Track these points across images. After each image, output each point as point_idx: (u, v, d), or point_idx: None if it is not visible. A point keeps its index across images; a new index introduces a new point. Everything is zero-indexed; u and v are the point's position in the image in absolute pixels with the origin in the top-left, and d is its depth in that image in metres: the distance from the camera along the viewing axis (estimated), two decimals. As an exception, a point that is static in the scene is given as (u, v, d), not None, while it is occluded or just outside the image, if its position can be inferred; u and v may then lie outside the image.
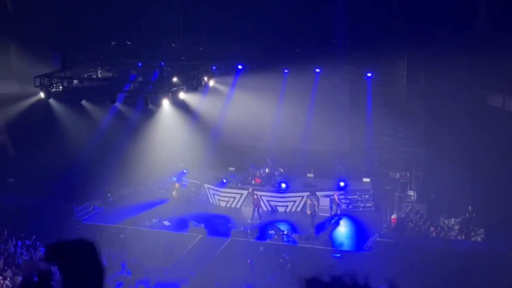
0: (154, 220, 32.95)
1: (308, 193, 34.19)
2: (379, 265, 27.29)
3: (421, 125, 33.82)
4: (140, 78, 34.18)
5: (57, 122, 34.99)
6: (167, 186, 36.53)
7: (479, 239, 29.68)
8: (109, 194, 34.92)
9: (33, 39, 34.85)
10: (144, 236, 30.77)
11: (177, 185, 35.67)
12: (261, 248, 29.80)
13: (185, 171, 37.54)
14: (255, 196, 33.52)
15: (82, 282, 2.95)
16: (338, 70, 35.00)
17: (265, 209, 34.61)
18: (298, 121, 35.96)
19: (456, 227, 30.42)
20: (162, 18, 34.85)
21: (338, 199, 33.72)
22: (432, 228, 30.58)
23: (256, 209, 33.15)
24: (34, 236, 29.79)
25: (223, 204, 35.21)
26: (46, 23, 34.78)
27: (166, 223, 32.65)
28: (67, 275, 2.97)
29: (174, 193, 35.48)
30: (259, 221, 32.62)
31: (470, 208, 30.25)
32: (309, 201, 32.96)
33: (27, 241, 29.57)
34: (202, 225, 31.93)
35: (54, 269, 3.02)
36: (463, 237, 29.93)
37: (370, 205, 34.48)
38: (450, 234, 30.38)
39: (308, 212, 32.79)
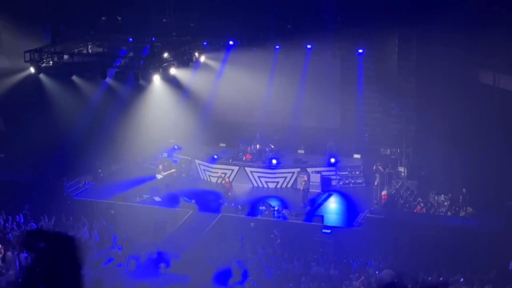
0: (145, 196, 32.98)
1: (299, 169, 34.30)
2: (369, 241, 27.49)
3: (412, 102, 33.83)
4: (131, 54, 34.04)
5: (47, 97, 34.85)
6: (157, 162, 36.45)
7: (469, 215, 29.82)
8: (99, 170, 34.87)
9: (24, 14, 34.59)
10: (135, 212, 30.80)
11: (160, 166, 35.37)
12: (251, 224, 29.89)
13: (176, 147, 37.47)
14: (227, 179, 33.45)
15: (60, 275, 2.92)
16: (330, 47, 34.95)
17: (255, 185, 34.81)
18: (289, 97, 35.90)
19: (446, 203, 30.58)
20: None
21: (383, 168, 33.56)
22: (422, 205, 30.72)
23: (227, 192, 32.87)
24: (21, 212, 29.86)
25: (214, 180, 35.24)
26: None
27: (157, 198, 32.67)
28: (43, 265, 2.94)
29: (159, 176, 34.95)
30: (233, 204, 32.13)
31: (464, 190, 30.32)
32: (305, 177, 32.98)
33: (17, 216, 29.58)
34: (193, 201, 31.96)
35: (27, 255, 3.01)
36: (452, 213, 30.12)
37: (361, 181, 34.61)
38: (440, 210, 30.53)
39: (301, 188, 32.88)
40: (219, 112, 36.55)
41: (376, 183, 32.76)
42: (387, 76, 33.96)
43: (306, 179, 32.93)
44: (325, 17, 33.84)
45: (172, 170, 35.10)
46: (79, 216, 30.07)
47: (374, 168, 33.50)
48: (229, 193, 32.60)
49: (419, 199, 31.01)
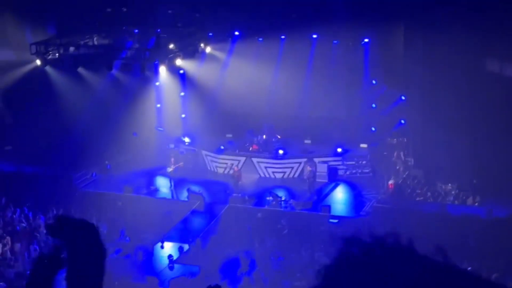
0: (152, 187, 33.03)
1: (305, 159, 34.28)
2: (376, 230, 27.46)
3: (418, 91, 33.77)
4: (137, 45, 34.05)
5: (53, 90, 34.90)
6: (165, 153, 36.46)
7: (476, 204, 29.81)
8: (107, 161, 34.92)
9: (29, 6, 34.61)
10: (142, 203, 30.86)
11: (172, 159, 35.34)
12: (259, 214, 29.91)
13: (186, 140, 37.12)
14: (236, 168, 33.49)
15: (83, 263, 2.93)
16: (335, 36, 34.90)
17: (262, 175, 34.82)
18: (295, 87, 35.87)
19: (453, 192, 30.56)
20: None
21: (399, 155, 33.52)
22: (429, 194, 30.71)
23: (237, 181, 32.95)
24: (29, 204, 29.92)
25: (220, 170, 35.25)
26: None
27: (165, 190, 32.71)
28: (70, 253, 2.94)
29: (169, 169, 34.87)
30: (240, 194, 32.21)
31: (474, 181, 30.25)
32: (308, 168, 32.98)
33: (26, 209, 29.65)
34: (200, 191, 32.01)
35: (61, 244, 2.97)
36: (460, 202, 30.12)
37: (368, 170, 34.58)
38: (447, 199, 30.53)
39: (306, 177, 32.91)
40: (225, 103, 36.54)
41: (398, 168, 32.78)
42: (393, 65, 33.90)
43: (310, 169, 32.92)
44: (330, 6, 33.74)
45: (180, 163, 35.11)
46: (86, 208, 30.12)
47: (395, 155, 33.51)
48: (239, 182, 32.69)
49: (419, 190, 30.97)
